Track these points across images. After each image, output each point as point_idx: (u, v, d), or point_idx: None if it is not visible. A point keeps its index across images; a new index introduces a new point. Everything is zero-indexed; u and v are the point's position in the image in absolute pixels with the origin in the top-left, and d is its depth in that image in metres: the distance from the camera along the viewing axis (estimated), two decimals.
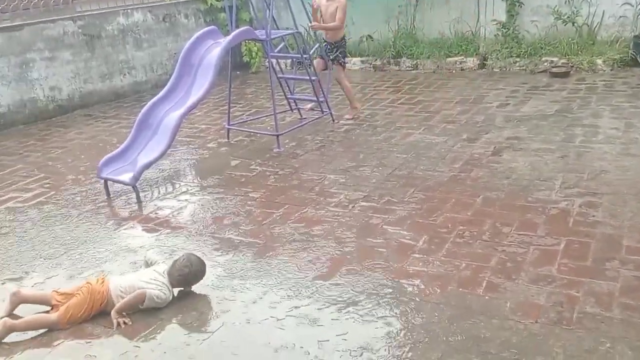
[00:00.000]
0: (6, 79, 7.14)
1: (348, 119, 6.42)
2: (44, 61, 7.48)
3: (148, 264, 3.42)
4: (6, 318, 3.07)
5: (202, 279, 3.31)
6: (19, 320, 3.08)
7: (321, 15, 6.23)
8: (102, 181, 4.89)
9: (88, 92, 7.99)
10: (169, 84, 5.31)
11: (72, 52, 7.77)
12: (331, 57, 6.29)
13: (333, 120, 6.37)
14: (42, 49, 7.46)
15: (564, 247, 3.44)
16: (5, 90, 7.13)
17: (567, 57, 7.73)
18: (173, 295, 3.24)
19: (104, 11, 8.21)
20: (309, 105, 6.79)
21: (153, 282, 3.17)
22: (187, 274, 3.24)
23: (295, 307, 3.08)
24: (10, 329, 3.01)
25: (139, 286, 3.14)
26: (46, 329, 3.07)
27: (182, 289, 3.30)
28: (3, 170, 5.70)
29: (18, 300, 3.20)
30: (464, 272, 3.27)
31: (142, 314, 3.14)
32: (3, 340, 2.99)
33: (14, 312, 3.19)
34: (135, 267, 3.62)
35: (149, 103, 5.16)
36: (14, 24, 7.33)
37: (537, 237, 3.57)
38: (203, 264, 3.31)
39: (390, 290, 3.16)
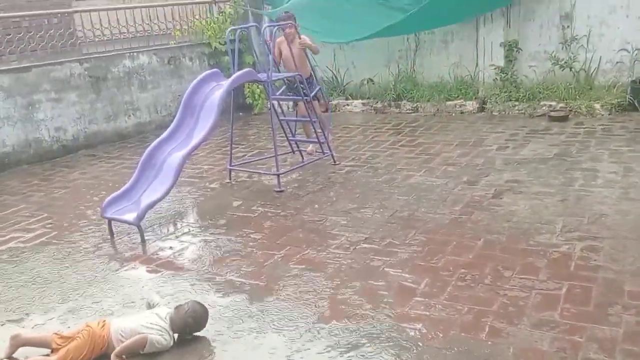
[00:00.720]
0: (12, 120, 7.24)
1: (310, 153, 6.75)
2: (50, 102, 7.60)
3: (150, 306, 3.41)
4: (3, 358, 3.06)
5: (204, 328, 3.30)
6: None
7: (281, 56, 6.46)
8: (106, 221, 4.91)
9: (93, 132, 8.09)
10: (172, 125, 5.38)
11: (78, 94, 7.90)
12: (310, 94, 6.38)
13: (334, 162, 6.43)
14: (49, 90, 7.60)
15: (565, 291, 3.44)
16: (10, 131, 7.23)
17: (566, 101, 7.85)
18: (174, 340, 3.22)
19: (110, 54, 8.38)
20: (310, 147, 6.87)
21: (154, 327, 3.15)
22: (192, 324, 3.23)
23: (297, 351, 3.06)
24: None
25: (140, 331, 3.12)
26: None
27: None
28: (6, 210, 5.73)
29: (18, 343, 3.18)
30: (466, 316, 3.26)
31: (142, 357, 3.12)
32: None
33: (14, 355, 3.16)
34: (137, 308, 3.61)
35: (153, 143, 5.22)
36: (21, 65, 7.48)
37: (538, 282, 3.57)
38: (207, 313, 3.30)
39: (393, 335, 3.14)
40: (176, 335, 3.26)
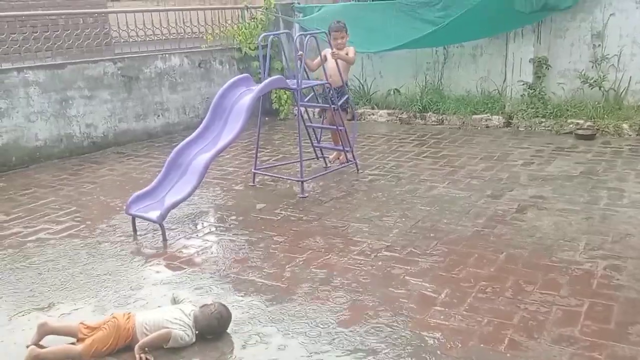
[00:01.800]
0: (45, 115, 7.43)
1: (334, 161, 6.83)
2: (82, 99, 7.79)
3: (175, 301, 3.48)
4: (33, 346, 3.14)
5: (225, 331, 3.35)
6: (45, 350, 3.15)
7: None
8: (130, 217, 5.01)
9: (122, 130, 8.26)
10: (200, 127, 5.47)
11: (110, 92, 8.08)
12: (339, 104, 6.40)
13: (358, 170, 6.47)
14: (82, 87, 7.78)
15: (587, 308, 3.42)
16: (43, 125, 7.41)
17: (593, 120, 7.79)
18: (195, 336, 3.28)
19: (143, 54, 8.55)
20: (334, 154, 6.92)
21: (178, 322, 3.22)
22: (215, 326, 3.29)
23: (315, 354, 3.10)
24: (37, 358, 3.07)
25: (164, 325, 3.19)
26: None
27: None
28: (36, 202, 5.88)
29: (46, 331, 3.26)
30: (486, 327, 3.27)
31: (165, 351, 3.19)
32: None
33: (41, 342, 3.24)
34: (159, 304, 3.68)
35: (181, 144, 5.32)
36: (57, 62, 7.68)
37: (560, 297, 3.56)
38: (230, 318, 3.36)
39: (411, 342, 3.16)
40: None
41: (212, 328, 3.28)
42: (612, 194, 5.40)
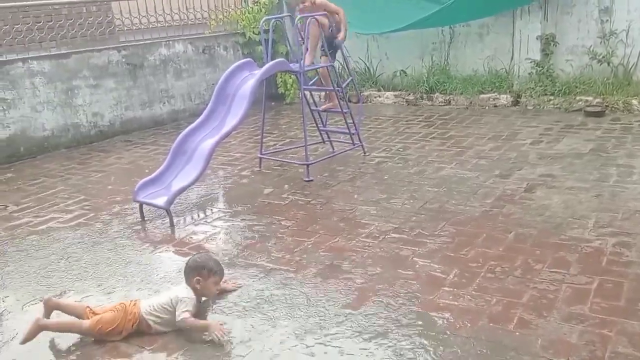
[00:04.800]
0: (52, 104, 7.44)
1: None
2: (88, 88, 7.79)
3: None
4: (39, 316, 3.23)
5: (219, 273, 3.46)
6: (52, 320, 3.25)
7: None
8: (138, 204, 5.03)
9: (128, 119, 8.27)
10: (204, 113, 5.47)
11: (115, 80, 8.08)
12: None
13: (364, 153, 6.45)
14: (88, 76, 7.78)
15: (596, 286, 3.41)
16: (50, 115, 7.43)
17: (602, 96, 7.70)
18: (200, 302, 3.37)
19: (147, 42, 8.53)
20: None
21: (177, 293, 3.33)
22: (194, 264, 3.44)
23: (325, 335, 3.11)
24: (42, 328, 3.17)
25: (171, 301, 3.26)
26: (79, 335, 3.23)
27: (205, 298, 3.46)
28: (45, 192, 5.91)
29: (51, 306, 3.33)
30: (495, 307, 3.26)
31: (175, 335, 3.21)
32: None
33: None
34: (169, 288, 3.70)
35: (185, 130, 5.32)
36: (61, 51, 7.67)
37: (569, 275, 3.55)
38: (208, 255, 3.67)
39: (420, 323, 3.17)
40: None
41: (194, 266, 3.42)
42: (622, 170, 5.35)
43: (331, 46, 6.26)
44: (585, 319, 3.08)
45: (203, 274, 3.38)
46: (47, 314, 3.31)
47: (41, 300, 3.44)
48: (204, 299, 3.47)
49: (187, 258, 4.12)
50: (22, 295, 3.80)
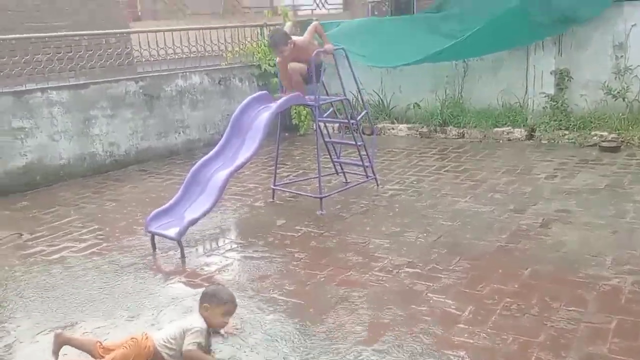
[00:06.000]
0: (69, 134, 7.54)
1: None
2: (105, 118, 7.89)
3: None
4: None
5: (230, 303, 3.38)
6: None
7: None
8: (150, 235, 5.03)
9: (144, 148, 8.35)
10: (219, 144, 5.51)
11: (132, 111, 8.18)
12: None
13: (378, 185, 6.43)
14: (105, 106, 7.89)
15: (615, 325, 3.33)
16: (67, 144, 7.52)
17: (618, 132, 7.66)
18: (210, 334, 3.32)
19: (164, 73, 8.66)
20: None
21: (195, 327, 3.27)
22: (209, 294, 3.38)
23: None
24: None
25: (182, 330, 3.23)
26: None
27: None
28: (60, 220, 5.94)
29: (62, 341, 3.29)
30: (511, 346, 3.19)
31: None
32: None
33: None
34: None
35: (199, 161, 5.35)
36: (80, 82, 7.80)
37: (587, 314, 3.48)
38: (225, 289, 3.51)
39: None
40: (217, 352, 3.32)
41: (208, 297, 3.36)
42: (639, 207, 5.28)
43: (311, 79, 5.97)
44: (604, 359, 3.01)
45: (212, 301, 3.34)
46: (57, 348, 3.28)
47: (53, 331, 3.42)
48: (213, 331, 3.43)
49: (199, 289, 4.12)
50: (33, 325, 3.79)
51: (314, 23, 6.28)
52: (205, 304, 3.33)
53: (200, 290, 4.09)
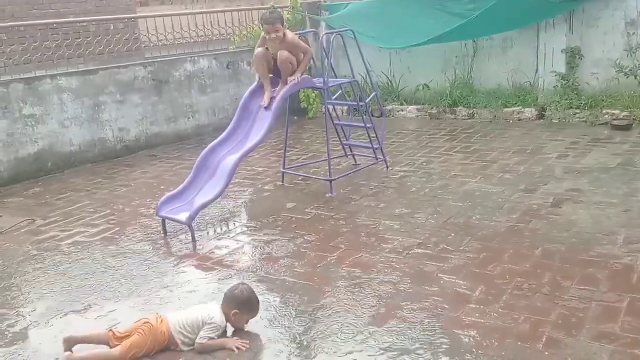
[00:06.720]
0: (79, 120, 7.58)
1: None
2: (115, 104, 7.92)
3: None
4: (69, 353, 3.19)
5: (256, 312, 3.39)
6: (80, 355, 3.18)
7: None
8: (161, 219, 5.06)
9: (154, 134, 8.37)
10: (228, 129, 5.51)
11: (141, 96, 8.20)
12: None
13: (387, 167, 6.42)
14: (114, 92, 7.91)
15: (627, 304, 3.32)
16: (78, 131, 7.56)
17: (630, 110, 7.57)
18: (226, 328, 3.33)
19: (173, 58, 8.65)
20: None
21: (210, 313, 3.29)
22: (245, 300, 3.34)
23: (349, 353, 3.08)
24: None
25: (200, 324, 3.23)
26: None
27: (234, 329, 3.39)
28: (72, 206, 5.99)
29: (72, 344, 3.24)
30: (523, 325, 3.20)
31: (198, 354, 3.21)
32: None
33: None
34: (193, 304, 3.71)
35: (209, 146, 5.36)
36: (89, 68, 7.82)
37: (599, 293, 3.47)
38: (257, 298, 3.42)
39: (446, 341, 3.12)
40: (230, 333, 3.36)
41: (238, 300, 3.33)
42: None
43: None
44: (616, 338, 3.00)
45: (243, 310, 3.33)
46: (69, 349, 3.23)
47: (67, 315, 3.46)
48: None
49: (210, 273, 4.15)
50: (47, 309, 3.84)
51: (311, 52, 5.75)
52: (236, 310, 3.31)
53: (212, 274, 4.16)
